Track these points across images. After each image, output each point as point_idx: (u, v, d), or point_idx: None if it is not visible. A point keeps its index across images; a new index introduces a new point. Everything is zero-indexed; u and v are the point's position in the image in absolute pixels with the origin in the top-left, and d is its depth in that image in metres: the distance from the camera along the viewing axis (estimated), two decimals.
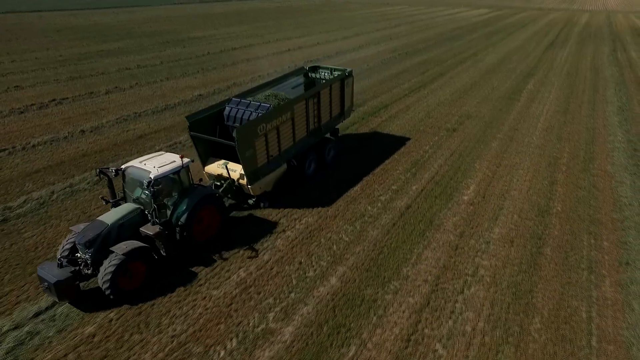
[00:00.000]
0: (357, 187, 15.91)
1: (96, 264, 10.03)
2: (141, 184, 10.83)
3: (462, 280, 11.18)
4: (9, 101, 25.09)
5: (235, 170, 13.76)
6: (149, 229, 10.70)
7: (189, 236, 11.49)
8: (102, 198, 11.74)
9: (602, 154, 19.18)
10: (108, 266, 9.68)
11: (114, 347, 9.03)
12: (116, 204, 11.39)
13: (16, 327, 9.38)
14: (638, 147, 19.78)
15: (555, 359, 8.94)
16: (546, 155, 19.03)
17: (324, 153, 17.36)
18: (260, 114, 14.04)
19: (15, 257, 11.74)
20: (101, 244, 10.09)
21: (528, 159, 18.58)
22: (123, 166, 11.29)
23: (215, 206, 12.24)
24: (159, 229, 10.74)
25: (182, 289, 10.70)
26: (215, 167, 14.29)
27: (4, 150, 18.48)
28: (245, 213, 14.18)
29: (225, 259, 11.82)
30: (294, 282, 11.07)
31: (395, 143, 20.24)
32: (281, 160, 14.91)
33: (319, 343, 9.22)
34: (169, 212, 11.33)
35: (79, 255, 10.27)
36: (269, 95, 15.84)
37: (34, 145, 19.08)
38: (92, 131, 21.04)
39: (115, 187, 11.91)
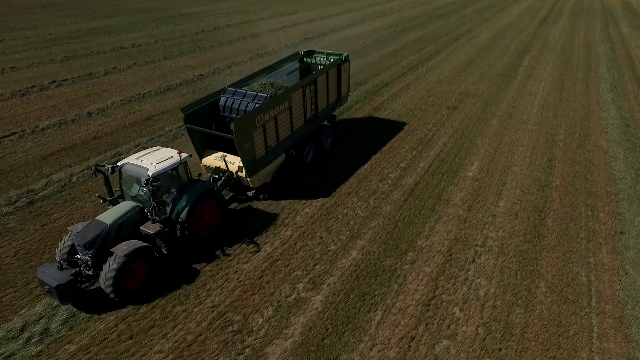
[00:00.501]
0: (366, 166, 16.69)
1: (97, 265, 9.95)
2: (139, 181, 10.67)
3: (472, 251, 12.17)
4: (7, 83, 24.98)
5: (234, 162, 13.62)
6: (149, 228, 10.57)
7: (189, 232, 11.38)
8: (99, 196, 11.43)
9: (597, 130, 20.20)
10: (109, 269, 9.58)
11: (159, 317, 9.84)
12: (114, 202, 11.25)
13: None
14: (630, 124, 20.84)
15: (559, 317, 10.03)
16: (544, 132, 19.98)
17: (322, 141, 17.36)
18: (257, 105, 13.94)
19: (48, 238, 12.34)
20: (101, 244, 9.96)
21: (527, 136, 19.51)
22: (119, 163, 11.06)
23: (215, 201, 12.14)
24: (160, 227, 10.61)
25: (214, 264, 11.48)
26: (213, 160, 14.05)
27: (14, 133, 18.72)
28: (245, 205, 14.25)
29: (251, 241, 12.60)
30: (318, 255, 11.94)
31: (398, 122, 20.95)
32: (279, 150, 14.80)
33: (347, 309, 10.16)
34: (168, 209, 11.17)
35: (78, 256, 10.14)
36: (265, 84, 15.67)
37: (43, 129, 19.32)
38: (98, 113, 21.27)
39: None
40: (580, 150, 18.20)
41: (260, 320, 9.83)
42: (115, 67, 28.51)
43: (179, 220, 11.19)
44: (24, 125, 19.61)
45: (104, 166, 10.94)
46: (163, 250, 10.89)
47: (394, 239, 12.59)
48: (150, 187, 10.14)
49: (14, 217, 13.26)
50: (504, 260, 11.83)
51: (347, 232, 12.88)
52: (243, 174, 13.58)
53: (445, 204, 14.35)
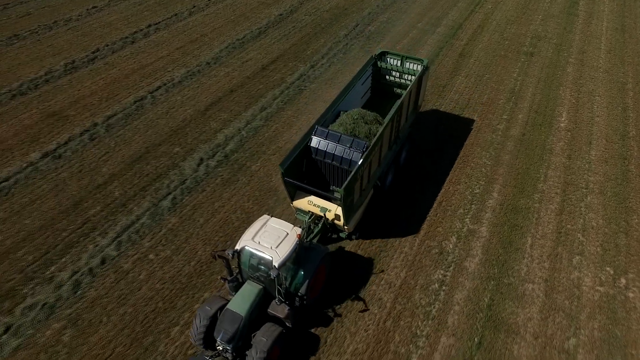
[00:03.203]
0: (477, 118, 21.01)
1: (237, 351, 11.40)
2: (257, 261, 11.68)
3: (580, 193, 17.23)
4: (105, 28, 27.31)
5: (330, 210, 13.80)
6: (277, 311, 11.65)
7: (307, 303, 12.41)
8: (222, 278, 12.48)
9: None
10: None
11: (381, 245, 14.92)
12: (233, 281, 12.30)
13: None
14: None
15: None
16: (614, 80, 24.13)
17: (399, 160, 17.37)
18: (354, 152, 13.77)
19: (262, 187, 16.86)
20: (240, 335, 11.30)
21: (601, 85, 23.69)
22: (237, 247, 11.69)
23: (325, 265, 13.01)
24: (287, 310, 11.59)
25: (396, 208, 16.36)
26: (306, 204, 14.16)
27: (158, 87, 22.14)
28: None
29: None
30: (469, 197, 16.89)
31: (485, 71, 24.70)
32: (370, 187, 14.97)
33: (506, 236, 15.38)
34: (287, 282, 12.10)
35: (219, 347, 11.36)
36: (356, 119, 15.30)
37: (179, 81, 22.72)
38: (215, 62, 24.47)
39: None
40: None
41: (451, 245, 15.03)
42: (194, 6, 30.56)
43: (298, 294, 12.14)
44: (160, 77, 22.92)
45: (224, 251, 11.78)
46: (287, 324, 11.98)
47: (521, 184, 17.52)
48: (277, 277, 11.08)
49: (222, 169, 17.67)
50: (604, 199, 16.96)
51: (484, 178, 17.72)
52: (340, 222, 13.90)
53: (550, 153, 19.09)
